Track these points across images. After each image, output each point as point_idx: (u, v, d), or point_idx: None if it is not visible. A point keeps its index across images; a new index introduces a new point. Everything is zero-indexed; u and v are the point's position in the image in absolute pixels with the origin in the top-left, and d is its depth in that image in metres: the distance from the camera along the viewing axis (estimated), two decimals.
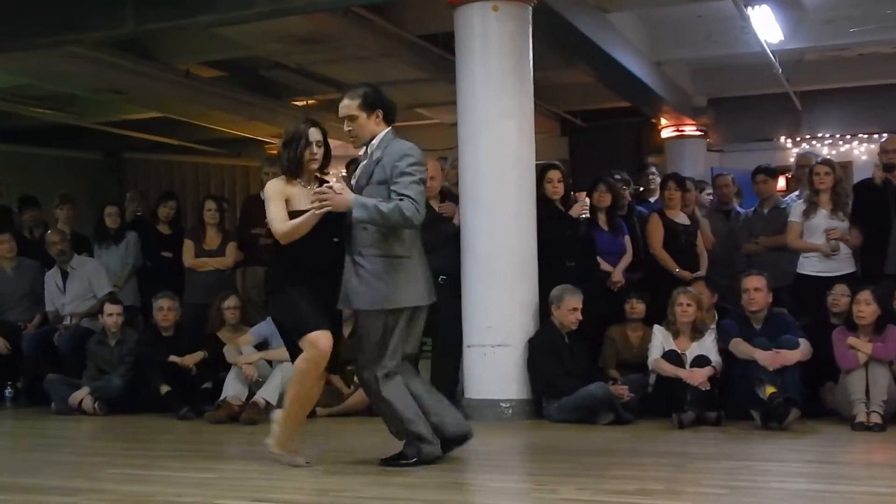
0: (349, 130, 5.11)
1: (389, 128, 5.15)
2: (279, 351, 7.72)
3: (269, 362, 7.71)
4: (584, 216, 7.67)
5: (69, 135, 13.86)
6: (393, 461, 5.19)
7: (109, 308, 8.35)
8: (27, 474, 5.19)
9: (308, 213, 4.92)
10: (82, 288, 8.93)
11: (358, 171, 5.19)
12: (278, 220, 5.02)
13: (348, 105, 5.08)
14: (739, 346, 6.90)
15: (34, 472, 5.25)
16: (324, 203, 4.87)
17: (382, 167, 5.01)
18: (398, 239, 5.04)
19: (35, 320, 9.05)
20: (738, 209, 9.51)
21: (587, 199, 7.73)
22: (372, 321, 5.02)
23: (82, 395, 8.10)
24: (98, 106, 12.69)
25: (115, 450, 6.30)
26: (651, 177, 9.71)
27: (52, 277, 9.02)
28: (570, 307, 7.15)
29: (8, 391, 9.08)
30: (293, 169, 5.09)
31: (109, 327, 8.31)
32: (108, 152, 14.54)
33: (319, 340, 4.94)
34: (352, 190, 5.06)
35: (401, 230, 5.01)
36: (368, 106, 5.07)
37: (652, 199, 9.41)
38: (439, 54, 10.21)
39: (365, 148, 5.12)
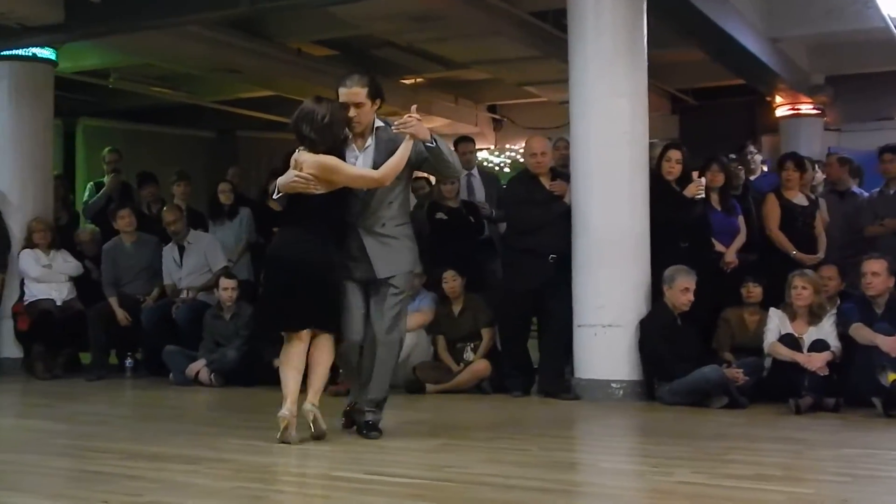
0: (354, 116, 5.24)
1: None
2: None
3: None
4: (699, 196, 7.54)
5: (185, 113, 14.21)
6: (375, 428, 5.39)
7: (224, 282, 8.52)
8: (151, 442, 5.35)
9: (403, 148, 5.15)
10: (198, 262, 9.14)
11: (364, 157, 5.33)
12: (366, 171, 5.24)
13: (357, 92, 5.23)
14: (860, 331, 6.70)
15: (157, 441, 5.41)
16: (411, 130, 5.13)
17: (391, 147, 5.24)
18: (408, 208, 5.63)
19: (153, 293, 9.28)
20: (856, 190, 9.24)
21: (703, 180, 7.60)
22: (406, 282, 5.42)
23: (199, 367, 8.32)
24: (212, 85, 12.98)
25: (234, 420, 6.45)
26: (750, 156, 9.48)
27: (169, 252, 9.25)
28: (681, 287, 7.04)
29: (128, 362, 9.36)
30: (339, 146, 5.27)
31: (224, 301, 8.49)
32: (222, 130, 14.85)
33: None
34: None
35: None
36: (373, 94, 5.27)
37: (752, 178, 9.19)
38: (549, 31, 10.14)
39: (370, 136, 5.33)
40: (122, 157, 10.75)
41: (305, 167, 5.16)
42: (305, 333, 5.24)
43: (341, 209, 5.26)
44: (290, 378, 5.19)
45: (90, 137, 13.37)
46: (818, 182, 9.27)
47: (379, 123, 5.34)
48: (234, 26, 10.41)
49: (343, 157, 5.27)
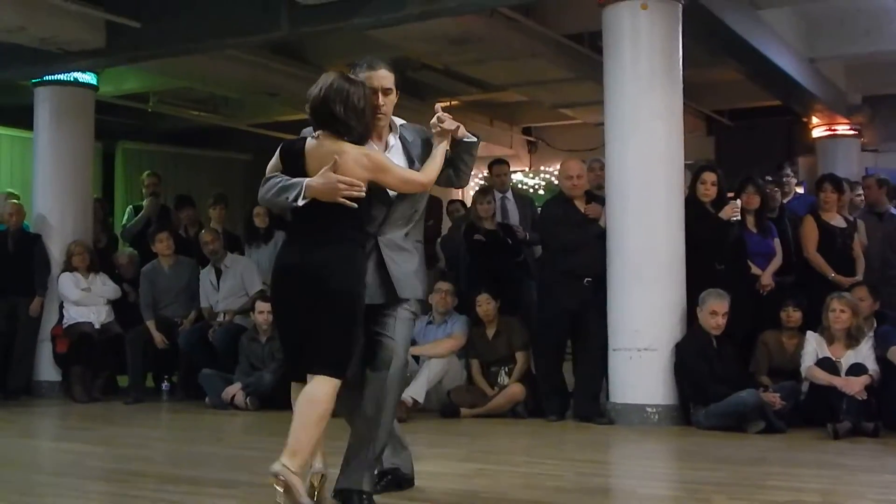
0: (382, 105, 4.27)
1: None
2: (428, 347, 7.87)
3: (416, 359, 7.75)
4: (734, 219, 7.50)
5: (223, 136, 14.34)
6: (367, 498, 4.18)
7: (261, 306, 8.54)
8: (188, 466, 5.39)
9: (441, 148, 4.29)
10: (235, 285, 9.19)
11: (394, 153, 4.39)
12: (412, 173, 4.26)
13: (388, 76, 4.29)
14: None
15: (194, 465, 5.44)
16: (452, 127, 4.29)
17: (415, 151, 4.42)
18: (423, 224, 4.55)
19: (191, 316, 9.34)
20: (894, 211, 9.15)
21: (738, 202, 7.56)
22: (419, 307, 4.45)
23: (235, 391, 8.35)
24: (250, 108, 13.11)
25: (271, 444, 6.43)
26: (786, 178, 9.42)
27: (206, 275, 9.32)
28: (710, 310, 7.00)
29: (165, 384, 9.43)
30: (366, 136, 4.22)
31: (260, 324, 8.52)
32: (258, 153, 14.94)
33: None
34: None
35: None
36: (398, 83, 4.38)
37: (785, 201, 9.11)
38: (585, 54, 10.16)
39: (392, 134, 4.41)
40: (160, 180, 10.85)
41: (347, 163, 4.02)
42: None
43: (364, 217, 4.20)
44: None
45: (129, 160, 13.52)
46: (858, 203, 9.19)
47: (400, 121, 4.45)
48: (272, 50, 10.51)
49: None
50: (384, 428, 4.22)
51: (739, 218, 7.57)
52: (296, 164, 4.11)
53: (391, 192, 4.23)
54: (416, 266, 4.36)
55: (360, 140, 4.13)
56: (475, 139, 4.42)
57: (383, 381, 4.17)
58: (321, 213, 4.01)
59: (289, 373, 4.27)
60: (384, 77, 4.26)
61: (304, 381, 4.03)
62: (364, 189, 4.01)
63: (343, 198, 3.97)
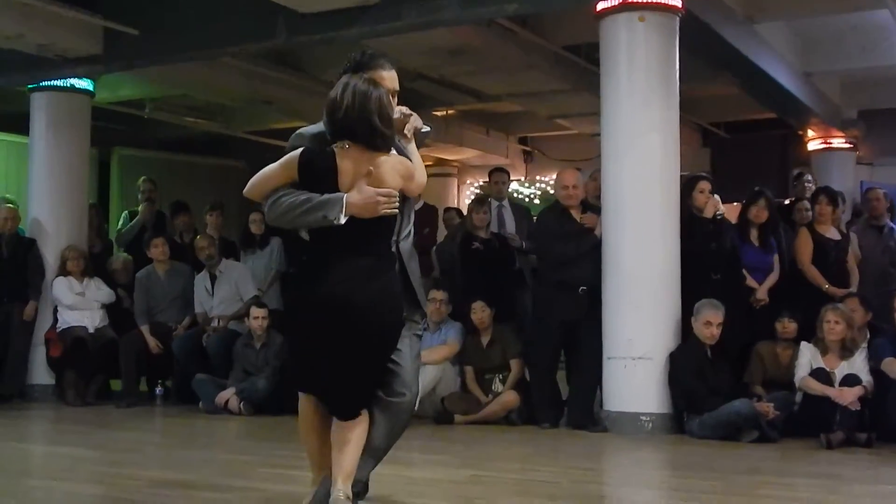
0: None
1: None
2: (423, 354, 7.85)
3: None
4: (718, 215, 7.54)
5: (218, 144, 14.34)
6: None
7: (255, 311, 8.56)
8: (181, 470, 5.38)
9: (413, 146, 4.05)
10: (230, 291, 9.19)
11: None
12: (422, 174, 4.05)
13: (395, 78, 4.05)
14: (893, 366, 6.67)
15: (188, 469, 5.44)
16: (416, 122, 4.07)
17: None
18: None
19: (185, 322, 9.33)
20: (892, 225, 9.18)
21: (717, 197, 7.60)
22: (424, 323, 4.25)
23: (228, 396, 8.34)
24: (245, 116, 13.12)
25: (265, 450, 6.47)
26: (808, 185, 9.44)
27: (201, 281, 9.32)
28: (704, 321, 7.02)
29: (158, 390, 9.41)
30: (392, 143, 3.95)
31: (255, 330, 8.52)
32: (253, 160, 14.93)
33: None
34: None
35: None
36: None
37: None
38: (582, 65, 10.19)
39: None
40: (156, 186, 10.85)
41: (386, 173, 3.80)
42: None
43: (392, 228, 3.96)
44: (320, 449, 4.00)
45: (125, 166, 13.49)
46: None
47: None
48: (269, 58, 10.53)
49: None
50: (388, 450, 4.14)
51: (722, 213, 7.61)
52: (324, 179, 3.77)
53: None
54: (419, 272, 4.23)
55: (389, 148, 3.88)
56: (429, 128, 4.23)
57: (398, 412, 4.02)
58: (353, 228, 3.72)
59: (307, 390, 4.01)
60: (392, 79, 4.02)
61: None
62: (398, 199, 3.80)
63: (386, 212, 3.75)
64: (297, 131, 4.06)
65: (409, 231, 4.14)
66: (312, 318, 3.80)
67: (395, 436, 4.10)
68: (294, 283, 4.11)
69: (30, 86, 9.83)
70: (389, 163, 3.82)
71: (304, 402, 4.00)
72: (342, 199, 3.71)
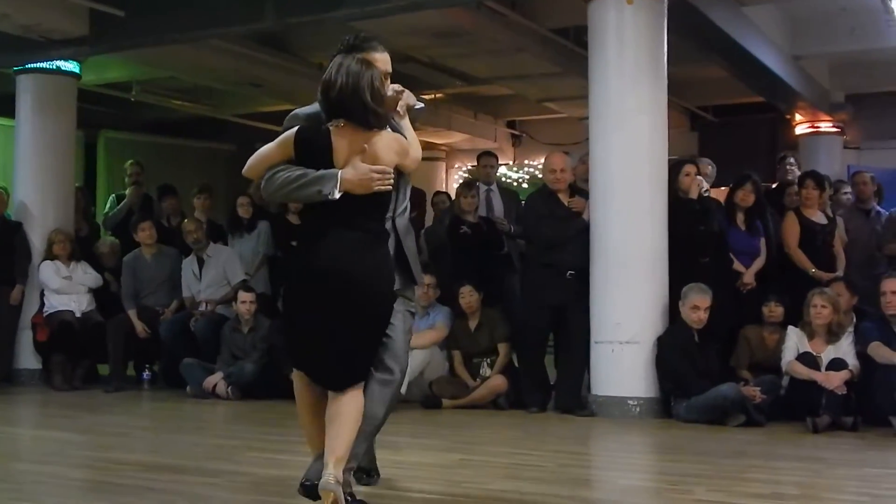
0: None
1: None
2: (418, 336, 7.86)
3: None
4: (704, 192, 7.56)
5: (206, 127, 14.29)
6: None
7: (243, 296, 8.54)
8: (170, 455, 5.38)
9: (407, 123, 4.13)
10: (217, 275, 9.17)
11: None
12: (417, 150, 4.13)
13: (388, 60, 4.04)
14: (879, 350, 6.70)
15: (176, 453, 5.44)
16: (409, 99, 4.14)
17: None
18: None
19: (172, 306, 9.31)
20: (879, 209, 9.21)
21: (700, 178, 7.62)
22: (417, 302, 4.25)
23: (216, 380, 8.33)
24: (234, 98, 13.06)
25: (253, 434, 6.48)
26: (789, 167, 9.46)
27: (188, 264, 9.29)
28: (691, 305, 7.03)
29: (146, 374, 9.40)
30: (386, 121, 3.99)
31: (242, 314, 8.51)
32: (241, 143, 14.90)
33: None
34: None
35: None
36: None
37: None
38: (571, 48, 10.17)
39: None
40: (144, 169, 10.81)
41: (379, 150, 3.86)
42: None
43: (387, 205, 4.03)
44: (315, 425, 3.99)
45: (111, 149, 13.44)
46: (843, 201, 9.25)
47: None
48: (257, 40, 10.49)
49: None
50: (383, 422, 4.11)
51: (708, 190, 7.62)
52: (320, 156, 3.83)
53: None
54: (416, 249, 4.27)
55: (383, 126, 3.92)
56: (422, 105, 4.28)
57: (391, 386, 4.04)
58: (347, 204, 3.78)
59: (300, 367, 4.02)
60: (387, 61, 4.02)
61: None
62: (393, 175, 3.86)
63: (379, 188, 3.80)
64: (292, 112, 4.11)
65: (406, 207, 4.18)
66: (307, 290, 3.84)
67: (388, 408, 4.06)
68: (289, 258, 3.98)
69: (15, 68, 9.77)
70: (384, 140, 3.88)
71: (297, 378, 4.03)
72: (337, 174, 3.78)
